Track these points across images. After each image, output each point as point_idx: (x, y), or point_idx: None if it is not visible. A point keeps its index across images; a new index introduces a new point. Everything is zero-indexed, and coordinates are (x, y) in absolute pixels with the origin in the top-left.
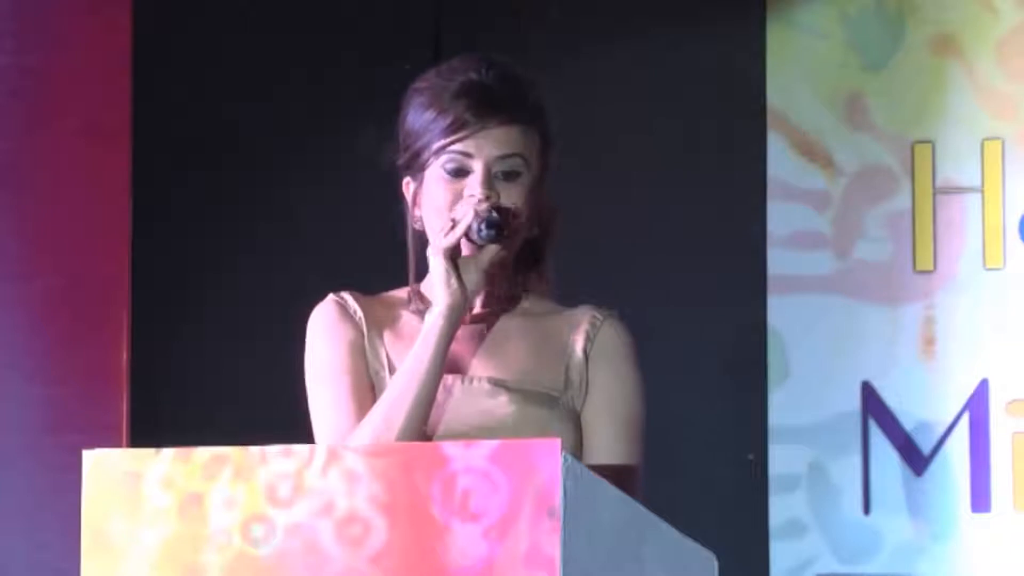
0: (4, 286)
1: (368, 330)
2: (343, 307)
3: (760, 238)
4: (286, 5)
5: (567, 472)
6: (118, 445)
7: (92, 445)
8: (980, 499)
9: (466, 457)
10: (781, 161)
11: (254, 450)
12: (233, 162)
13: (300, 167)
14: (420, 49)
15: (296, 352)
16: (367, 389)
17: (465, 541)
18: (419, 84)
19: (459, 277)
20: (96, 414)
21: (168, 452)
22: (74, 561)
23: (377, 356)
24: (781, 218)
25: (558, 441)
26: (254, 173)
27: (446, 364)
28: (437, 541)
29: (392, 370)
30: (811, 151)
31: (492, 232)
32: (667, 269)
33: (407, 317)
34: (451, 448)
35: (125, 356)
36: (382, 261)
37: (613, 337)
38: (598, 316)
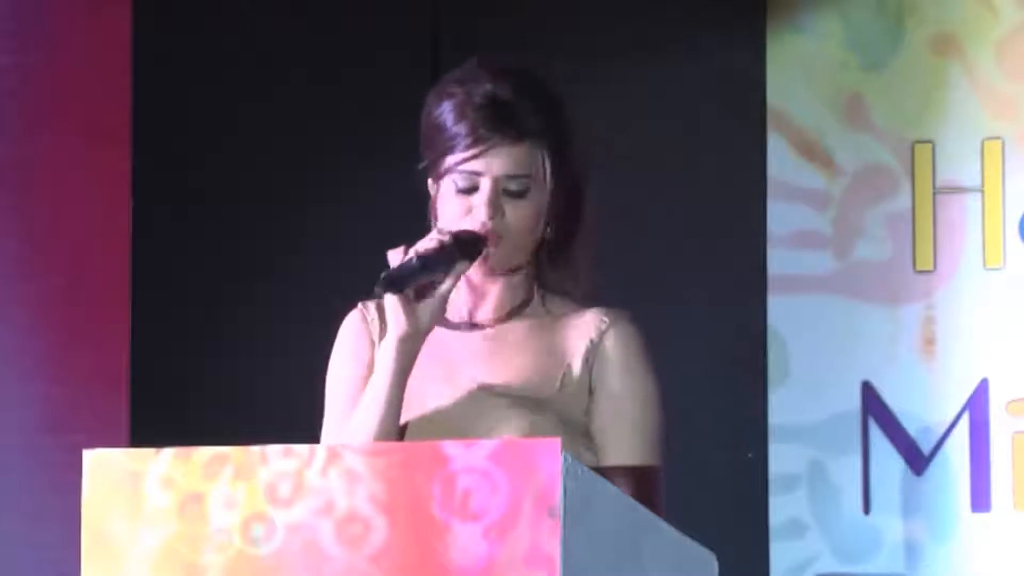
0: (4, 286)
1: (380, 340)
2: (364, 318)
3: (760, 238)
4: (285, 6)
5: (567, 472)
6: (118, 445)
7: (92, 445)
8: (980, 499)
9: (466, 457)
10: (781, 161)
11: (254, 450)
12: (233, 162)
13: (300, 166)
14: (418, 50)
15: (296, 351)
16: None
17: (465, 541)
18: (445, 87)
19: (408, 309)
20: (96, 414)
21: (168, 452)
22: (74, 561)
23: None
24: (781, 218)
25: (558, 441)
26: (254, 173)
27: (439, 371)
28: (437, 541)
29: None
30: (811, 151)
31: (380, 291)
32: (667, 269)
33: None
34: (451, 448)
35: (125, 356)
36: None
37: (619, 340)
38: (605, 320)
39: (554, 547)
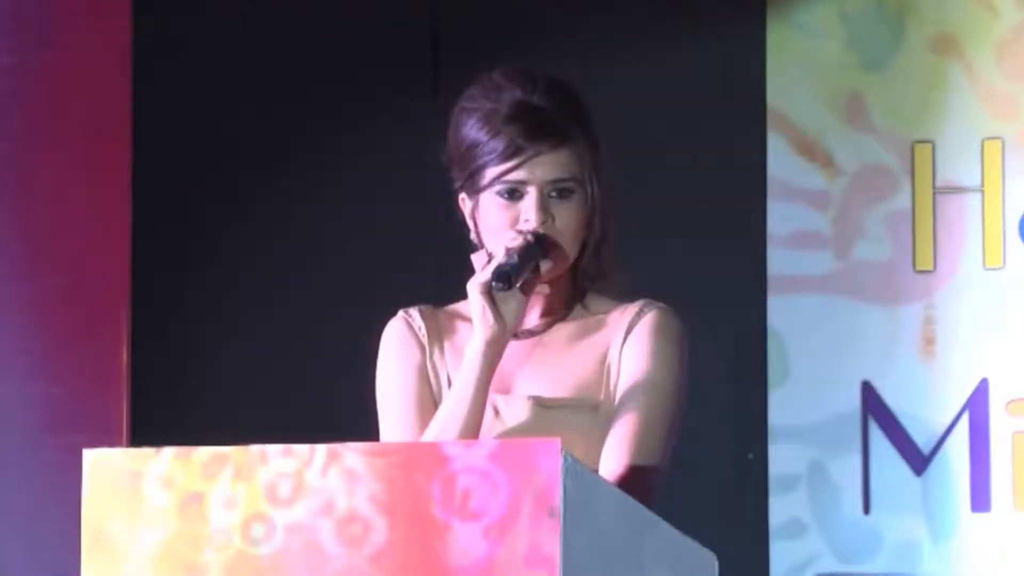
0: (4, 286)
1: (430, 347)
2: (409, 325)
3: (760, 238)
4: (286, 6)
5: (567, 472)
6: (118, 445)
7: (92, 445)
8: (980, 499)
9: (466, 456)
10: (781, 161)
11: (254, 449)
12: (233, 162)
13: (299, 167)
14: (418, 50)
15: (296, 351)
16: (430, 411)
17: (465, 540)
18: (467, 104)
19: (495, 311)
20: (96, 414)
21: (168, 452)
22: (74, 561)
23: (438, 376)
24: (781, 218)
25: (558, 441)
26: (254, 173)
27: (493, 383)
28: (437, 540)
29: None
30: (811, 151)
31: (500, 284)
32: (667, 269)
33: (467, 332)
34: (451, 447)
35: (125, 356)
36: (383, 261)
37: (653, 321)
38: (641, 309)
39: (554, 547)
